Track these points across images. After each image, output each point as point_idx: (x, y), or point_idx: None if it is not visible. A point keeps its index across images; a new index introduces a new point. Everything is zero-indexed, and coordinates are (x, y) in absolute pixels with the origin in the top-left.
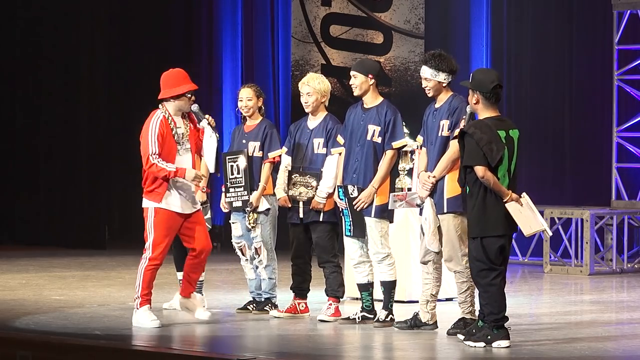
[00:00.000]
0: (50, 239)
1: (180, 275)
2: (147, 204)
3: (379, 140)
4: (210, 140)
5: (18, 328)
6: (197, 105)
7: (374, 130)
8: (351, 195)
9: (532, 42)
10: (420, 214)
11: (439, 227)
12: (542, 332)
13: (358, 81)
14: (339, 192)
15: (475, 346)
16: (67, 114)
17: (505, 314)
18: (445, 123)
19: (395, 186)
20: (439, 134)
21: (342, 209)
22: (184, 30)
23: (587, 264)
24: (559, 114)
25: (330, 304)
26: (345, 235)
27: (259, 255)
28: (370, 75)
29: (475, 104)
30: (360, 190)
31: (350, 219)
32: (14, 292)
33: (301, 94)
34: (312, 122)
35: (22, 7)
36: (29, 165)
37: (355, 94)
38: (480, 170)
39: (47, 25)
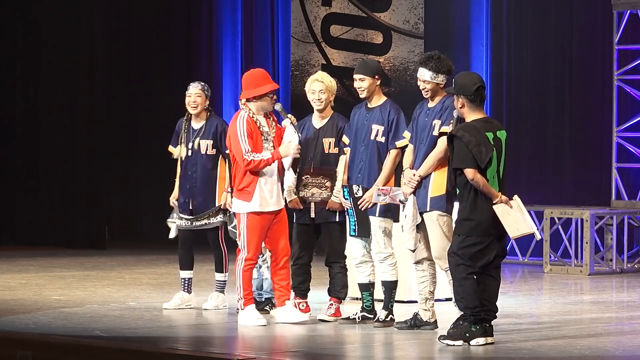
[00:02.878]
0: (50, 239)
1: (183, 274)
2: (239, 207)
3: (382, 139)
4: (292, 140)
5: (18, 328)
6: (280, 104)
7: (378, 129)
8: (356, 195)
9: (532, 42)
10: (403, 210)
11: (418, 225)
12: (542, 332)
13: (366, 84)
14: (344, 192)
15: (453, 344)
16: (67, 114)
17: (483, 309)
18: (437, 123)
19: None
20: (430, 133)
21: (347, 208)
22: (184, 30)
23: (587, 264)
24: (559, 114)
25: (332, 304)
26: (350, 235)
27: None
28: (376, 76)
29: (461, 107)
30: (364, 190)
31: (355, 219)
32: (14, 292)
33: (312, 90)
34: (319, 121)
35: (22, 10)
36: (29, 165)
37: (362, 96)
38: (470, 172)
39: (47, 26)
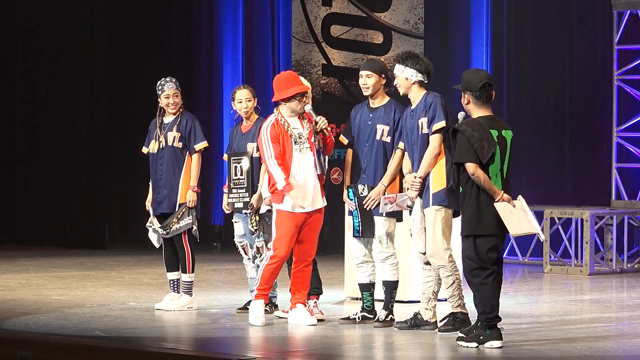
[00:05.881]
0: (50, 239)
1: (170, 276)
2: (273, 205)
3: (388, 139)
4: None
5: (18, 328)
6: (310, 105)
7: (383, 129)
8: (361, 195)
9: (532, 42)
10: (411, 214)
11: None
12: (542, 332)
13: (372, 81)
14: (348, 192)
15: (467, 346)
16: (68, 114)
17: (498, 314)
18: (423, 121)
19: (403, 186)
20: (420, 133)
21: (350, 210)
22: (184, 30)
23: (587, 264)
24: (559, 114)
25: (316, 303)
26: (354, 236)
27: (261, 254)
28: (383, 75)
29: (467, 104)
30: (370, 189)
31: (359, 220)
32: (14, 292)
33: None
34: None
35: (22, 11)
36: (29, 165)
37: (366, 94)
38: (471, 167)
39: (47, 25)
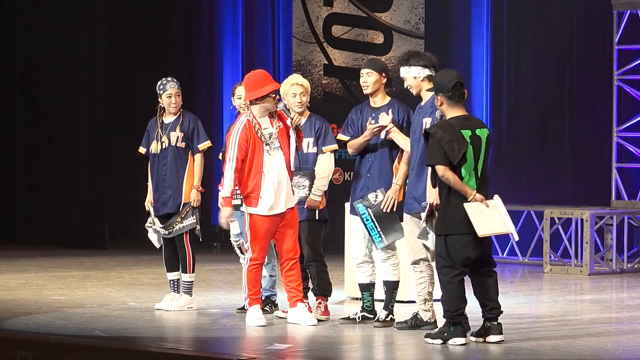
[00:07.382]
0: (50, 239)
1: (170, 276)
2: (245, 208)
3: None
4: (290, 139)
5: (18, 328)
6: (283, 103)
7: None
8: (374, 203)
9: (532, 42)
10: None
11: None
12: (542, 332)
13: (372, 79)
14: (358, 208)
15: (433, 343)
16: (68, 114)
17: (463, 312)
18: (427, 121)
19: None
20: (422, 132)
21: (364, 222)
22: (184, 30)
23: (587, 264)
24: (559, 114)
25: (320, 303)
26: (379, 247)
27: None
28: (383, 74)
29: (440, 105)
30: (382, 194)
31: (379, 229)
32: (14, 292)
33: (293, 93)
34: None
35: (22, 11)
36: (29, 165)
37: (366, 92)
38: (440, 169)
39: (47, 25)
